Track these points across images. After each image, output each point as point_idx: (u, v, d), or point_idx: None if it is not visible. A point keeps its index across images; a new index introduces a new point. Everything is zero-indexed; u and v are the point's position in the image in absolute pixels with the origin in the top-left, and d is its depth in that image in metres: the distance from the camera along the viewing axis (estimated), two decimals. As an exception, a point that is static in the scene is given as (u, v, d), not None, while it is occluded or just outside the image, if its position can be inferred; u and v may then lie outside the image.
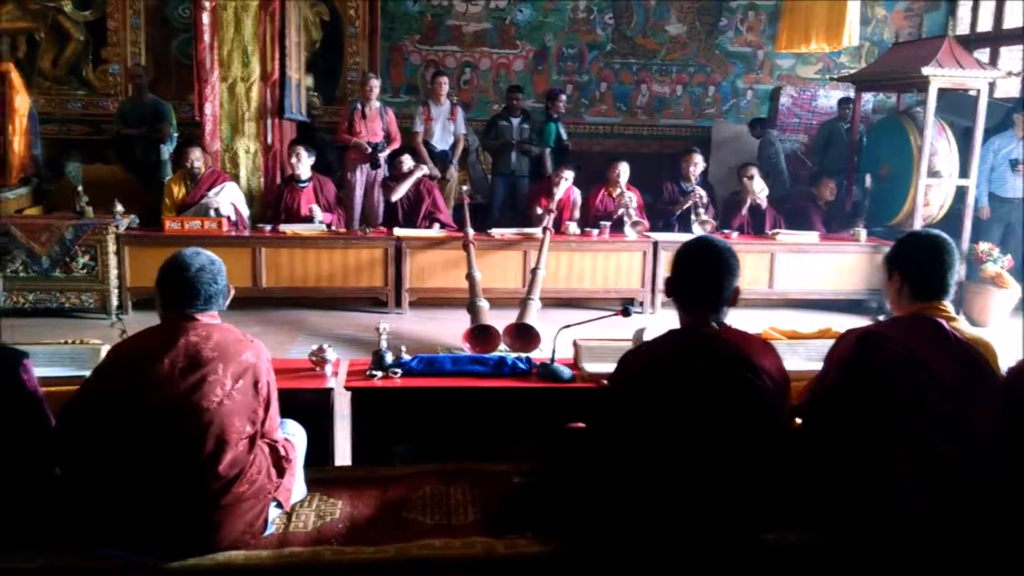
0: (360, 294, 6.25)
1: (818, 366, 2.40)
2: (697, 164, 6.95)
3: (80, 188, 5.78)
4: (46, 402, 2.30)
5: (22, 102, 6.28)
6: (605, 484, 2.16)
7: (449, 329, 5.43)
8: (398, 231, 6.29)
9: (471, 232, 6.02)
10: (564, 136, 7.76)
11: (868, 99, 8.86)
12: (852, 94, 7.70)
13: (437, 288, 6.22)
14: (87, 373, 2.72)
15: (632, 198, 6.64)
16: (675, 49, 9.20)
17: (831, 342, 2.37)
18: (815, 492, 2.22)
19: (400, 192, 6.53)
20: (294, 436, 2.51)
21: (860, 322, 2.65)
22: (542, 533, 2.26)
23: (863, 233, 6.65)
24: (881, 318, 2.43)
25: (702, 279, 2.18)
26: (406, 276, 6.17)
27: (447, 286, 6.13)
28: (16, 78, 6.30)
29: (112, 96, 8.00)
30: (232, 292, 2.37)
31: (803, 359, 3.02)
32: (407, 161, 6.60)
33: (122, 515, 2.14)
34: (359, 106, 7.02)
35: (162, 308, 2.30)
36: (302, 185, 6.43)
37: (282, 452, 2.36)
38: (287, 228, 6.14)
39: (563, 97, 7.90)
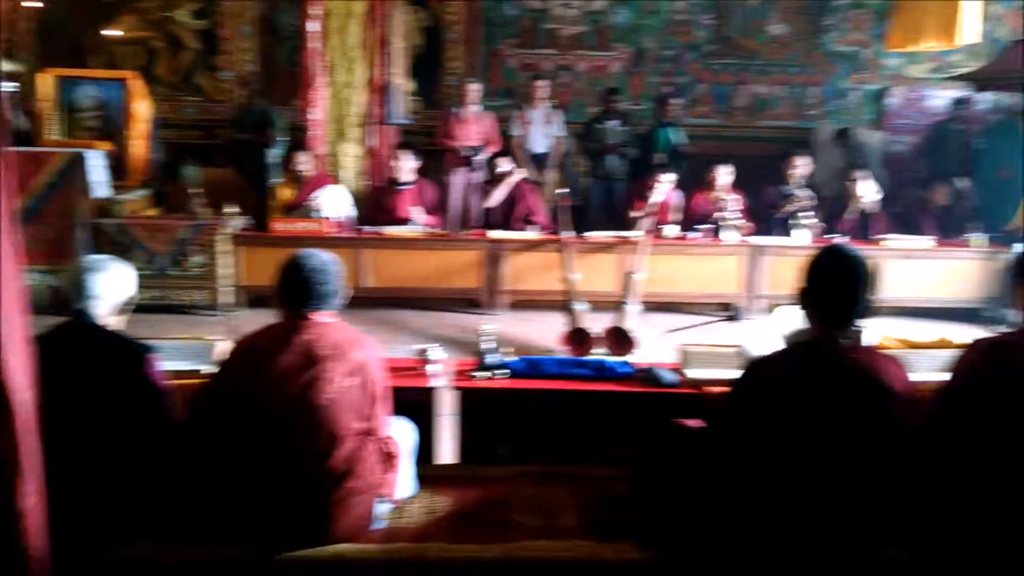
0: (456, 295, 6.33)
1: (936, 376, 2.30)
2: (799, 167, 6.77)
3: (196, 191, 6.05)
4: (169, 395, 2.41)
5: (144, 109, 6.60)
6: (720, 490, 2.12)
7: (544, 331, 5.44)
8: (493, 233, 6.34)
9: (568, 235, 6.02)
10: (678, 140, 7.58)
11: (983, 99, 8.43)
12: (967, 94, 7.33)
13: (532, 290, 6.23)
14: (203, 367, 2.86)
15: (736, 200, 6.52)
16: (776, 49, 8.97)
17: (950, 352, 2.27)
18: (937, 506, 2.13)
19: (495, 198, 6.59)
20: (401, 433, 2.56)
21: (976, 332, 2.52)
22: (644, 538, 2.24)
23: (982, 239, 6.32)
24: (1004, 328, 2.30)
25: (834, 291, 2.11)
26: (502, 278, 6.21)
27: (543, 288, 6.13)
28: (137, 85, 6.63)
29: (223, 102, 8.34)
30: (348, 292, 2.43)
31: (921, 369, 2.90)
32: (503, 164, 6.65)
33: (240, 506, 2.23)
34: (457, 110, 7.11)
35: (280, 307, 2.38)
36: (404, 188, 6.56)
37: (389, 448, 2.41)
38: (386, 230, 6.27)
39: (674, 101, 7.77)
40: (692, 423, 2.41)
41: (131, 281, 2.48)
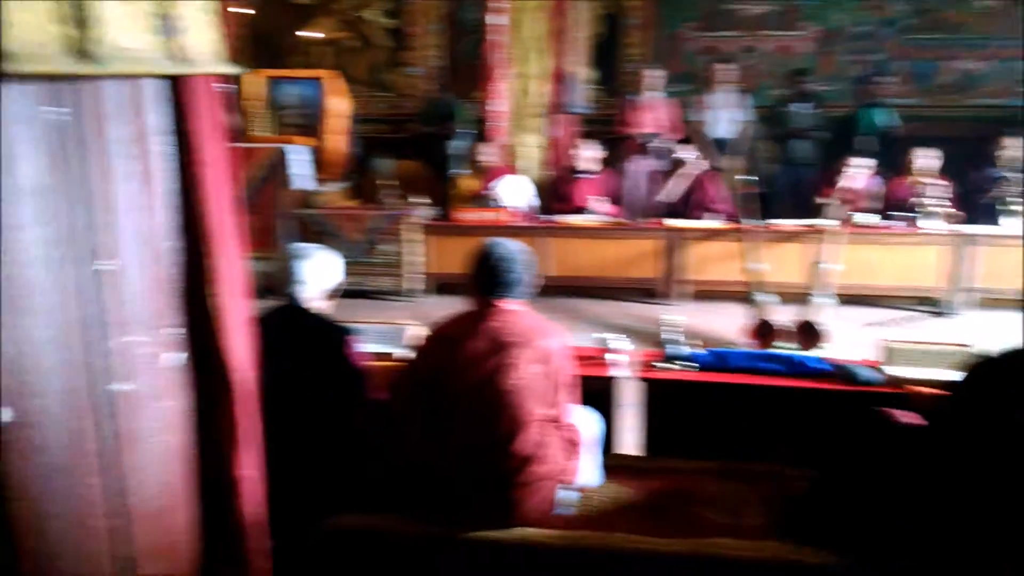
0: (635, 284, 6.28)
1: None
2: (1009, 148, 6.17)
3: (386, 182, 6.36)
4: (368, 375, 2.55)
5: (341, 105, 7.01)
6: (937, 495, 1.98)
7: (725, 323, 5.28)
8: (672, 222, 6.22)
9: (751, 223, 5.80)
10: (887, 122, 7.11)
11: None
12: None
13: (713, 280, 6.07)
14: (395, 350, 3.01)
15: (941, 187, 6.03)
16: (985, 21, 8.17)
17: None
18: None
19: (672, 192, 6.46)
20: (586, 422, 2.57)
21: None
22: (833, 541, 2.13)
23: None
24: None
25: None
26: (680, 267, 6.09)
27: (723, 278, 5.96)
28: (335, 83, 7.05)
29: (411, 97, 8.70)
30: (538, 281, 2.47)
31: None
32: (682, 153, 6.50)
33: (433, 484, 2.33)
34: (634, 97, 7.03)
35: (470, 294, 2.45)
36: (583, 177, 6.57)
37: (572, 436, 2.43)
38: (564, 219, 6.31)
39: (880, 79, 7.29)
40: (903, 415, 2.24)
41: (337, 268, 2.64)
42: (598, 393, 2.85)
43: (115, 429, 1.48)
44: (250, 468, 1.87)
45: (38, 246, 1.28)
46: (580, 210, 6.45)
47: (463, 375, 2.30)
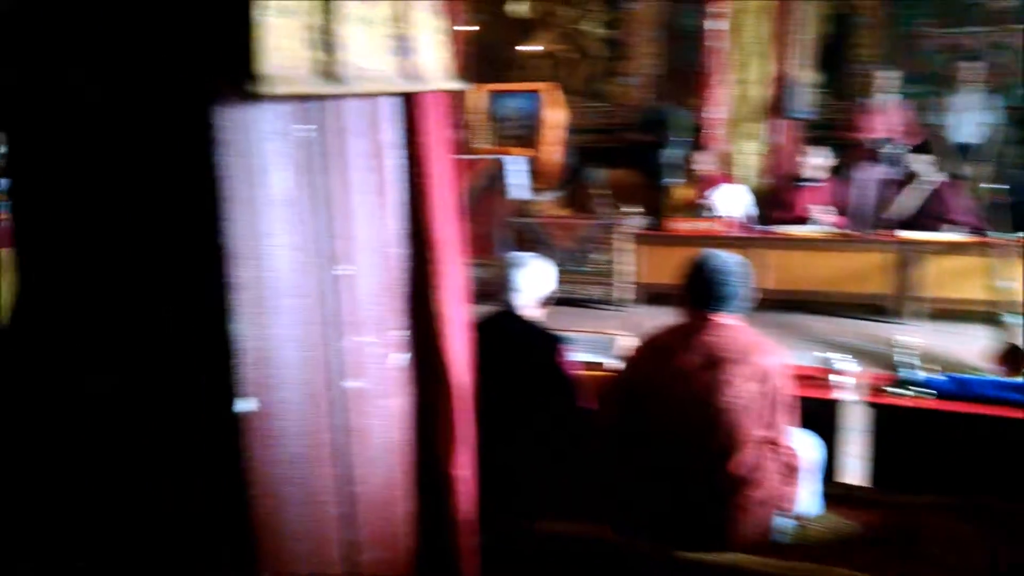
0: (861, 300, 5.86)
1: None
2: None
3: (599, 191, 6.40)
4: (578, 383, 2.57)
5: (557, 117, 7.16)
6: None
7: (966, 346, 4.80)
8: (905, 234, 5.75)
9: (1001, 236, 5.23)
10: None
11: None
12: None
13: (952, 298, 5.53)
14: (606, 360, 3.00)
15: None
16: None
17: None
18: None
19: (905, 205, 5.96)
20: (805, 446, 2.44)
21: None
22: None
23: None
24: None
25: None
26: (915, 283, 5.61)
27: (965, 296, 5.42)
28: (553, 95, 7.21)
29: (626, 106, 8.69)
30: (755, 295, 2.38)
31: None
32: (915, 162, 6.00)
33: (641, 497, 2.30)
34: (864, 101, 6.58)
35: (683, 306, 2.40)
36: (805, 185, 6.25)
37: (791, 460, 2.31)
38: (785, 229, 6.03)
39: None
40: None
41: (551, 277, 2.69)
42: (819, 416, 2.69)
43: (346, 423, 1.59)
44: (464, 468, 1.94)
45: (285, 251, 1.40)
46: (802, 220, 6.14)
47: (675, 389, 2.26)
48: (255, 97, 1.22)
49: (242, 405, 1.34)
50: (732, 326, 2.31)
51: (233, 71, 1.21)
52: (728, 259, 2.35)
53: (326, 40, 1.34)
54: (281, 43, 1.23)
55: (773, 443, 2.25)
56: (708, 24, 6.61)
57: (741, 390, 2.20)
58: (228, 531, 1.41)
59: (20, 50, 1.41)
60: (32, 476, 1.55)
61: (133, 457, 1.45)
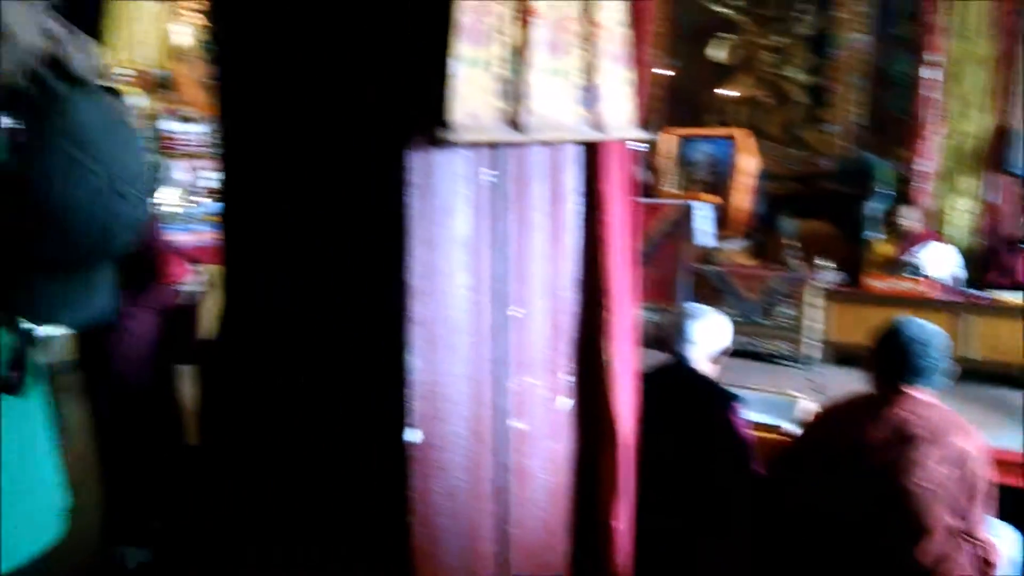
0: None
1: None
2: None
3: (790, 242, 6.14)
4: (751, 445, 2.45)
5: (749, 163, 6.98)
6: None
7: None
8: None
9: None
10: None
11: None
12: None
13: None
14: (784, 424, 2.85)
15: None
16: None
17: None
18: None
19: None
20: (1002, 539, 2.20)
21: None
22: None
23: None
24: None
25: None
26: None
27: None
28: (747, 142, 7.04)
29: (826, 154, 8.31)
30: (955, 370, 2.19)
31: None
32: None
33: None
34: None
35: (873, 375, 2.24)
36: (1026, 248, 5.70)
37: (987, 554, 2.09)
38: (998, 294, 5.50)
39: None
40: None
41: (726, 332, 2.60)
42: (1019, 506, 2.42)
43: (508, 462, 1.61)
44: (623, 519, 1.90)
45: (461, 290, 1.45)
46: (1021, 286, 5.58)
47: (857, 463, 2.11)
48: (444, 143, 1.28)
49: (409, 435, 1.39)
50: (926, 402, 2.13)
51: (425, 118, 1.28)
52: (927, 328, 2.18)
53: (515, 90, 1.38)
54: (471, 93, 1.29)
55: (967, 533, 2.04)
56: (923, 72, 6.21)
57: (934, 473, 2.02)
58: (385, 550, 1.46)
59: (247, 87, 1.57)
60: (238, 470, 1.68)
61: (311, 468, 1.54)
